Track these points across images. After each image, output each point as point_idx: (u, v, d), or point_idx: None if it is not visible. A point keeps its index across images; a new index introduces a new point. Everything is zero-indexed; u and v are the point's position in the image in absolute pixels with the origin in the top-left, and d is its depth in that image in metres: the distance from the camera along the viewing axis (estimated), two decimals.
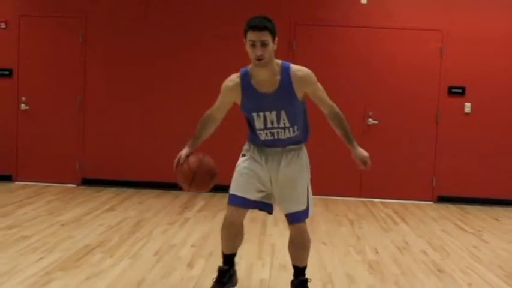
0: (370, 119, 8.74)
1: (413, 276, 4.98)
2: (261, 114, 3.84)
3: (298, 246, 4.06)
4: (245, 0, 8.68)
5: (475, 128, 8.73)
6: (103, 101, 8.93)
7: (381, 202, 8.59)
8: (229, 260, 4.23)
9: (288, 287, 4.24)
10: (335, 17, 8.74)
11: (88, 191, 8.55)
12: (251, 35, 3.70)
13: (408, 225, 7.13)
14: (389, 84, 8.74)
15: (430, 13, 8.71)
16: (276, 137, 3.89)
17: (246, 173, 3.96)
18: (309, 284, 4.14)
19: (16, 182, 8.96)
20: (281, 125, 3.84)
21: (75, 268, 4.79)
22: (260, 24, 3.70)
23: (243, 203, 3.95)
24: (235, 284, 4.33)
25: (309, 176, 4.05)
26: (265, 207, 4.06)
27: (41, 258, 5.01)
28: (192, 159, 3.98)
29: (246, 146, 4.11)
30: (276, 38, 3.82)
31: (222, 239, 4.17)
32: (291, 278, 4.19)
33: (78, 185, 8.96)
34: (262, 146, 3.98)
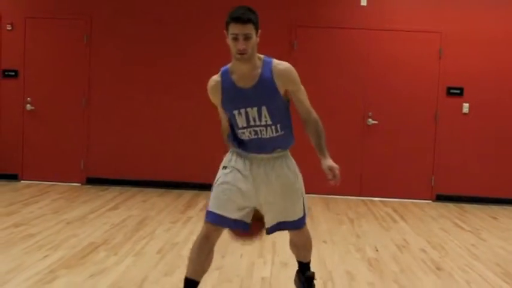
0: (370, 119, 8.73)
1: (413, 274, 4.97)
2: (242, 111, 3.48)
3: (300, 247, 3.96)
4: (248, 1, 8.66)
5: (473, 128, 8.72)
6: (107, 102, 8.93)
7: (380, 201, 8.58)
8: None
9: (289, 284, 4.24)
10: (335, 19, 8.74)
11: (92, 190, 8.55)
12: (234, 28, 3.37)
13: (407, 224, 7.12)
14: (389, 85, 8.74)
15: (428, 15, 8.71)
16: (259, 135, 3.52)
17: (228, 189, 3.58)
18: (315, 280, 4.07)
19: (22, 181, 8.96)
20: (263, 122, 3.48)
21: (80, 266, 4.78)
22: (243, 17, 3.35)
23: (221, 222, 3.55)
24: None
25: (302, 182, 3.73)
26: (244, 226, 3.59)
27: (46, 256, 5.00)
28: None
29: (227, 157, 3.76)
30: (259, 31, 3.45)
31: (190, 258, 3.63)
32: (293, 275, 4.19)
33: (82, 184, 8.96)
34: (246, 151, 3.62)
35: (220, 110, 3.70)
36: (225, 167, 3.72)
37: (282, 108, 3.55)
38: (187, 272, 3.65)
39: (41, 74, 8.95)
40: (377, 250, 5.73)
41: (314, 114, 3.63)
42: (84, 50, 8.90)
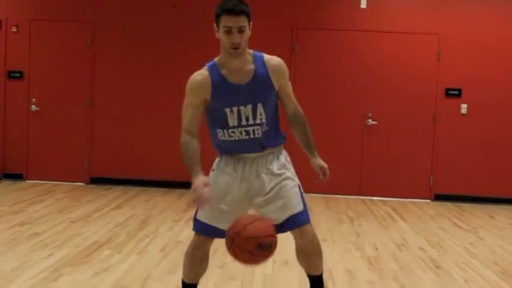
0: (369, 120, 8.73)
1: (412, 272, 4.97)
2: (235, 109, 3.21)
3: (309, 252, 3.39)
4: (248, 3, 8.67)
5: (471, 129, 8.72)
6: (111, 102, 8.93)
7: (380, 200, 8.58)
8: None
9: (290, 281, 4.23)
10: (336, 21, 8.74)
11: (96, 189, 8.55)
12: (227, 20, 3.10)
13: (406, 223, 7.12)
14: (389, 86, 8.74)
15: (427, 18, 8.71)
16: (251, 135, 3.26)
17: (217, 198, 3.26)
18: None
19: (27, 181, 8.96)
20: (257, 121, 3.23)
21: (84, 264, 4.79)
22: (237, 8, 3.10)
23: (212, 233, 3.35)
24: None
25: (295, 174, 3.44)
26: None
27: (50, 255, 5.01)
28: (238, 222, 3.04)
29: (216, 160, 3.50)
30: (251, 24, 3.21)
31: (184, 265, 3.52)
32: (293, 273, 4.18)
33: (86, 183, 8.96)
34: (235, 152, 3.36)
35: (190, 113, 3.36)
36: (213, 170, 3.47)
37: (274, 105, 3.35)
38: (183, 276, 3.55)
39: (46, 75, 8.96)
40: (376, 249, 5.74)
41: (301, 109, 3.45)
42: (88, 51, 8.91)
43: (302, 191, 3.39)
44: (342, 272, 4.88)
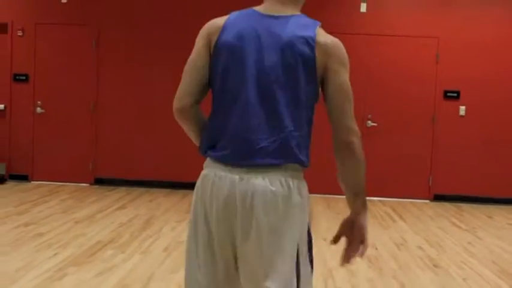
0: (369, 122, 8.72)
1: (411, 271, 4.97)
2: None
3: None
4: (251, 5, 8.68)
5: (469, 130, 8.72)
6: (115, 105, 8.93)
7: (379, 200, 8.57)
8: None
9: None
10: (335, 25, 8.73)
11: (100, 190, 8.55)
12: None
13: (406, 223, 7.12)
14: (388, 88, 8.74)
15: (426, 21, 8.71)
16: None
17: None
18: None
19: (32, 182, 8.97)
20: None
21: (88, 263, 4.79)
22: None
23: None
24: None
25: None
26: None
27: (55, 254, 5.01)
28: None
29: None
30: None
31: None
32: None
33: (91, 184, 8.96)
34: None
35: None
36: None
37: None
38: None
39: (51, 78, 8.97)
40: (376, 248, 5.73)
41: None
42: (93, 54, 8.92)
43: None
44: (342, 270, 4.87)
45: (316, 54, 2.10)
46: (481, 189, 8.76)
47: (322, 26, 2.25)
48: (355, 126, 2.17)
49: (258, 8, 2.21)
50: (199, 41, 2.23)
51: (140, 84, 8.90)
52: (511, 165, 8.73)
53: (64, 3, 8.90)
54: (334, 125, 2.17)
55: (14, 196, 7.77)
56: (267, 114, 2.07)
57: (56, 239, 5.55)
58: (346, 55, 2.23)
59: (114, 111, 8.94)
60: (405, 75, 8.73)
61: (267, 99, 2.07)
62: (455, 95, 8.73)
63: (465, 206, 8.47)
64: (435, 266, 5.19)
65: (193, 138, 2.32)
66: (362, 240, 2.20)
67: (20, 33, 8.94)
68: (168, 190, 8.68)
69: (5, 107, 9.00)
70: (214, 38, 2.16)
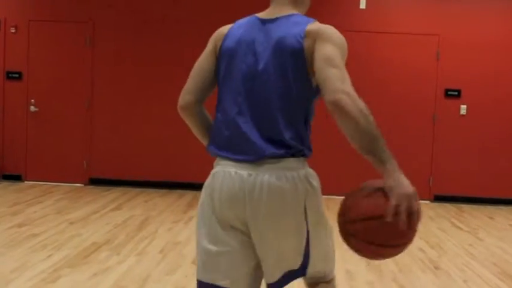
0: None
1: (411, 273, 4.98)
2: None
3: None
4: (247, 5, 8.69)
5: (470, 129, 8.74)
6: (110, 103, 8.94)
7: None
8: None
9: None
10: (335, 22, 8.68)
11: (95, 190, 8.55)
12: None
13: None
14: (387, 87, 8.75)
15: (427, 18, 8.72)
16: None
17: None
18: None
19: (26, 182, 8.97)
20: None
21: (83, 265, 4.79)
22: None
23: None
24: None
25: None
26: None
27: (49, 256, 5.02)
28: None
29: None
30: None
31: None
32: None
33: (85, 184, 8.96)
34: None
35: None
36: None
37: None
38: None
39: (44, 76, 8.97)
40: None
41: None
42: (87, 52, 8.92)
43: None
44: (341, 272, 4.88)
45: (305, 45, 2.19)
46: (482, 190, 8.78)
47: (321, 23, 2.31)
48: (342, 86, 2.14)
49: (259, 14, 2.39)
50: (208, 46, 2.45)
51: (135, 82, 8.90)
52: None
53: None
54: (322, 95, 2.16)
55: (8, 196, 7.77)
56: (263, 113, 2.23)
57: (51, 240, 5.56)
58: (337, 35, 2.25)
59: (109, 110, 8.94)
60: (405, 74, 8.75)
61: (262, 100, 2.23)
62: (456, 93, 8.74)
63: (466, 207, 8.49)
64: (436, 268, 5.20)
65: (197, 135, 2.55)
66: (407, 208, 2.11)
67: (13, 30, 8.94)
68: (164, 190, 8.68)
69: None
70: (219, 44, 2.38)
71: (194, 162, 8.76)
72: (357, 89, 2.27)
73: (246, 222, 2.25)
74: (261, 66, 2.24)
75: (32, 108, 8.95)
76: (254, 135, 2.23)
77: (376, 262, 5.27)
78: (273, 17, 2.32)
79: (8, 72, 8.97)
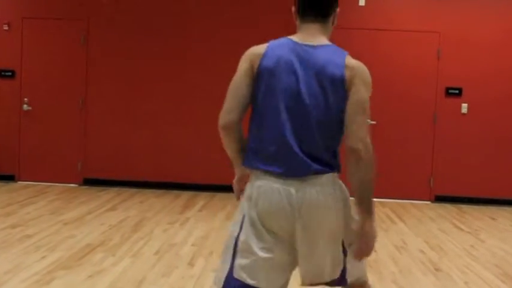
0: (368, 120, 8.73)
1: (411, 275, 4.99)
2: None
3: None
4: (245, 1, 8.69)
5: (471, 128, 8.75)
6: (104, 102, 8.93)
7: (378, 202, 8.59)
8: None
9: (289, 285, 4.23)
10: None
11: (90, 190, 8.55)
12: None
13: (406, 225, 7.14)
14: (387, 86, 8.75)
15: (427, 15, 8.73)
16: None
17: None
18: None
19: (19, 182, 8.96)
20: None
21: (77, 267, 4.79)
22: None
23: None
24: None
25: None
26: None
27: (43, 257, 5.01)
28: None
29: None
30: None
31: None
32: (292, 277, 4.15)
33: (80, 184, 8.96)
34: None
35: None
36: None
37: None
38: None
39: (38, 74, 8.96)
40: (375, 251, 5.75)
41: None
42: (81, 50, 8.92)
43: None
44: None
45: (346, 77, 2.47)
46: (484, 190, 8.79)
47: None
48: (365, 137, 2.53)
49: (293, 38, 2.59)
50: (243, 64, 2.55)
51: (131, 81, 8.89)
52: None
53: None
54: (346, 134, 2.50)
55: (0, 197, 7.76)
56: (306, 131, 2.45)
57: (44, 241, 5.55)
58: (369, 77, 2.61)
59: (103, 109, 8.94)
60: (405, 72, 8.75)
61: (305, 119, 2.44)
62: (457, 92, 8.75)
63: (467, 208, 8.50)
64: (436, 269, 5.21)
65: (232, 152, 2.61)
66: (366, 248, 2.60)
67: (6, 27, 8.93)
68: (160, 191, 8.68)
69: None
70: (257, 63, 2.51)
71: (190, 163, 8.76)
72: None
73: (293, 234, 2.47)
74: (302, 86, 2.43)
75: (25, 107, 8.94)
76: (299, 152, 2.43)
77: (376, 264, 5.27)
78: (310, 43, 2.53)
79: (1, 71, 8.96)
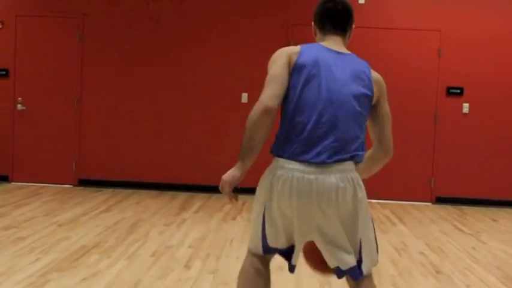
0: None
1: (411, 278, 4.98)
2: None
3: None
4: (235, 4, 8.69)
5: (473, 129, 8.75)
6: (100, 101, 8.93)
7: (378, 203, 8.60)
8: None
9: (286, 287, 4.24)
10: None
11: (85, 191, 8.55)
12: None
13: (406, 226, 7.14)
14: (388, 84, 8.74)
15: (428, 13, 8.73)
16: None
17: None
18: None
19: (13, 183, 8.95)
20: None
21: (72, 269, 4.79)
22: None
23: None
24: None
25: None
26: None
27: (37, 259, 5.01)
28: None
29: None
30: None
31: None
32: (289, 279, 4.18)
33: (74, 185, 8.95)
34: None
35: None
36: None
37: None
38: None
39: (32, 73, 8.95)
40: None
41: None
42: (76, 49, 8.91)
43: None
44: None
45: (374, 88, 2.89)
46: (485, 191, 8.80)
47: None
48: (392, 148, 3.07)
49: (323, 43, 2.95)
50: (281, 59, 2.83)
51: (127, 80, 8.89)
52: None
53: None
54: (381, 138, 3.01)
55: None
56: (339, 123, 2.75)
57: (38, 243, 5.55)
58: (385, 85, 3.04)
59: (99, 108, 8.93)
60: (405, 71, 8.76)
61: (339, 112, 2.75)
62: (458, 91, 8.76)
63: (468, 209, 8.50)
64: (437, 272, 5.21)
65: (258, 140, 2.75)
66: None
67: None
68: (156, 192, 8.68)
69: None
70: (294, 58, 2.82)
71: (187, 163, 8.76)
72: None
73: (313, 218, 2.76)
74: (338, 84, 2.77)
75: (19, 106, 8.94)
76: (330, 141, 2.74)
77: (375, 266, 5.27)
78: (340, 50, 2.92)
79: None
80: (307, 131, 2.72)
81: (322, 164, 2.71)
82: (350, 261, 2.79)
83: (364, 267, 2.84)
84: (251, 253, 3.02)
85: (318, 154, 2.71)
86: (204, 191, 8.65)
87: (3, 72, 8.95)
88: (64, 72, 8.94)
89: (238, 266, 5.04)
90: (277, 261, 5.15)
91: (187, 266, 5.01)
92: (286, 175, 2.74)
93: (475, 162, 8.78)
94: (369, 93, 2.84)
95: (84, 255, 5.20)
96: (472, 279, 5.03)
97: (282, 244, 2.90)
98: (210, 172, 8.68)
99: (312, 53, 2.83)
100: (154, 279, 4.62)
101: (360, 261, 2.83)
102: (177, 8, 8.82)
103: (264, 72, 3.06)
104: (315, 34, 3.09)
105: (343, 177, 2.74)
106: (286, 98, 2.81)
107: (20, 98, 8.96)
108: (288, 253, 2.93)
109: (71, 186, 8.93)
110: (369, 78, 2.87)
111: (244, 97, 8.56)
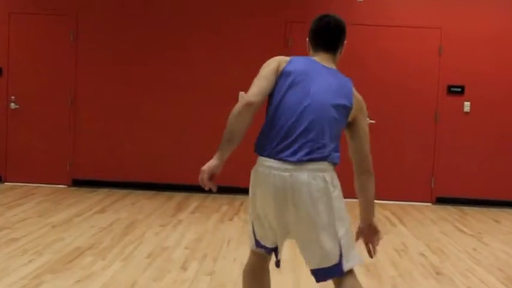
0: (367, 119, 8.74)
1: (412, 279, 4.99)
2: None
3: None
4: (231, 3, 8.70)
5: (474, 128, 8.76)
6: (94, 101, 8.92)
7: (378, 204, 8.60)
8: None
9: (284, 287, 4.24)
10: None
11: (79, 192, 8.54)
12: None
13: (406, 227, 7.15)
14: (387, 83, 8.76)
15: (428, 11, 8.74)
16: None
17: None
18: None
19: (6, 183, 8.94)
20: None
21: (66, 271, 4.78)
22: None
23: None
24: None
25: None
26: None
27: (30, 261, 5.00)
28: None
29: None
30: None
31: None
32: (288, 279, 4.18)
33: (69, 185, 8.95)
34: None
35: None
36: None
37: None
38: None
39: (26, 72, 8.94)
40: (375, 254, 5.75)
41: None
42: (71, 47, 8.90)
43: None
44: None
45: (353, 103, 3.06)
46: (487, 192, 8.80)
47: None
48: (372, 167, 3.42)
49: (314, 57, 3.16)
50: (271, 64, 3.07)
51: (121, 79, 8.89)
52: None
53: None
54: (359, 156, 3.30)
55: None
56: (316, 125, 2.92)
57: (32, 244, 5.54)
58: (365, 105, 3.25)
59: (93, 107, 8.93)
60: (405, 69, 8.76)
61: (317, 116, 2.92)
62: (459, 90, 8.76)
63: (470, 210, 8.51)
64: (438, 273, 5.21)
65: (237, 132, 2.89)
66: (377, 234, 3.44)
67: None
68: (152, 192, 8.68)
69: None
70: (282, 66, 3.04)
71: (183, 163, 8.76)
72: (354, 85, 2.58)
73: (287, 216, 2.94)
74: (321, 91, 2.96)
75: (13, 105, 8.93)
76: (306, 140, 2.89)
77: (375, 267, 5.28)
78: (327, 65, 3.11)
79: None
80: (285, 131, 2.90)
81: (298, 162, 2.86)
82: (330, 259, 2.92)
83: (345, 264, 2.94)
84: (251, 250, 3.28)
85: (294, 153, 2.87)
86: (200, 192, 8.64)
87: None
88: (58, 71, 8.93)
89: (235, 268, 5.04)
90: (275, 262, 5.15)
91: (183, 268, 5.01)
92: (265, 172, 2.91)
93: (477, 162, 8.79)
94: (347, 104, 3.01)
95: (79, 257, 5.20)
96: (473, 280, 5.03)
97: (269, 244, 3.14)
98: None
99: (300, 63, 3.06)
100: (150, 281, 4.62)
101: (340, 258, 2.93)
102: (174, 6, 8.81)
103: None
104: (309, 50, 3.28)
105: (316, 175, 2.89)
106: (270, 101, 3.02)
107: (13, 97, 8.95)
108: (274, 249, 3.17)
109: (65, 186, 8.93)
110: (350, 92, 3.05)
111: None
